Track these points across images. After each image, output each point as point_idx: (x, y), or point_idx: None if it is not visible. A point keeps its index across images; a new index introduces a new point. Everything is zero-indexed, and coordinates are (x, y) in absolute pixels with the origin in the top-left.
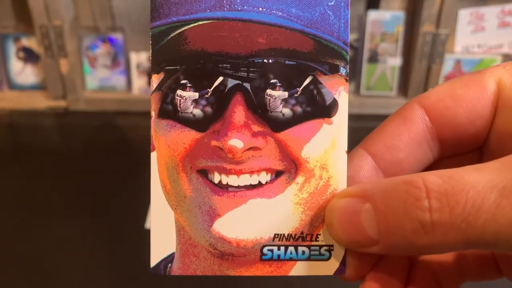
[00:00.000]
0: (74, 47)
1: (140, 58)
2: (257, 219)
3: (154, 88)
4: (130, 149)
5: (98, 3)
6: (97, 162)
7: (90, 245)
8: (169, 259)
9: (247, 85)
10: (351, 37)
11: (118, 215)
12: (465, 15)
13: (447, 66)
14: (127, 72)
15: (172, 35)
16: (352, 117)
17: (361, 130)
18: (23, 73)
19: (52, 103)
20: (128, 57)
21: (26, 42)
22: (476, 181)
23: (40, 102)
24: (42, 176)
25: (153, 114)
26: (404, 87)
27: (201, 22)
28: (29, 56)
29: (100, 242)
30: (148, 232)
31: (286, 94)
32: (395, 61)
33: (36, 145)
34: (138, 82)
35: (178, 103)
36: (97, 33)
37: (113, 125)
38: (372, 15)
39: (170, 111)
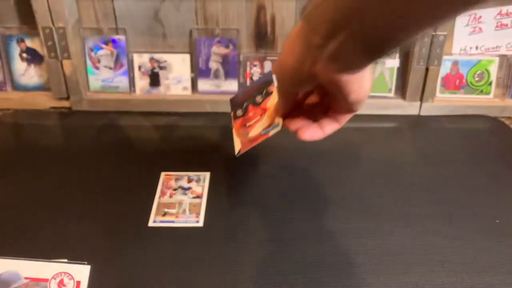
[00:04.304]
0: (77, 48)
1: (142, 59)
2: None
3: None
4: (133, 148)
5: (101, 5)
6: (100, 162)
7: (94, 243)
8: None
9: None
10: None
11: (121, 214)
12: (462, 17)
13: (445, 67)
14: (130, 73)
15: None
16: (351, 117)
17: (360, 129)
18: (27, 74)
19: (56, 104)
20: (131, 58)
21: (30, 43)
22: None
23: (44, 103)
24: (46, 175)
25: None
26: (402, 88)
27: None
28: (32, 57)
29: (103, 240)
30: (151, 230)
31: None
32: (394, 63)
33: (40, 145)
34: (141, 83)
35: None
36: (100, 35)
37: (116, 125)
38: None
39: None
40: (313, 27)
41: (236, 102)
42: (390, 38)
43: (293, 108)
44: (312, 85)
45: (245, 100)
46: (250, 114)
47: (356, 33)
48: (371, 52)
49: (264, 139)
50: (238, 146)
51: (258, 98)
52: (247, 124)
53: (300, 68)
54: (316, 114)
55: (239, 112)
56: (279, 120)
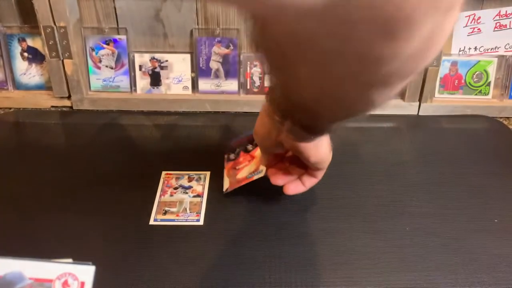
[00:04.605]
0: (78, 48)
1: (143, 59)
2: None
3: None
4: (133, 147)
5: (102, 5)
6: (101, 161)
7: (95, 242)
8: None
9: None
10: None
11: (122, 213)
12: (461, 17)
13: (444, 67)
14: (131, 72)
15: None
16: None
17: (359, 129)
18: (28, 73)
19: (57, 103)
20: (132, 58)
21: (31, 42)
22: None
23: (45, 102)
24: (47, 174)
25: None
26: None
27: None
28: (34, 56)
29: (104, 239)
30: (153, 228)
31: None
32: None
33: (41, 144)
34: (141, 82)
35: None
36: (101, 35)
37: (117, 124)
38: None
39: None
40: (273, 109)
41: (230, 147)
42: (320, 127)
43: (275, 161)
44: (282, 150)
45: (238, 146)
46: (241, 159)
47: (296, 121)
48: (312, 132)
49: (249, 182)
50: (226, 184)
51: (249, 147)
52: (237, 167)
53: (269, 137)
54: (296, 167)
55: (232, 156)
56: (263, 168)
